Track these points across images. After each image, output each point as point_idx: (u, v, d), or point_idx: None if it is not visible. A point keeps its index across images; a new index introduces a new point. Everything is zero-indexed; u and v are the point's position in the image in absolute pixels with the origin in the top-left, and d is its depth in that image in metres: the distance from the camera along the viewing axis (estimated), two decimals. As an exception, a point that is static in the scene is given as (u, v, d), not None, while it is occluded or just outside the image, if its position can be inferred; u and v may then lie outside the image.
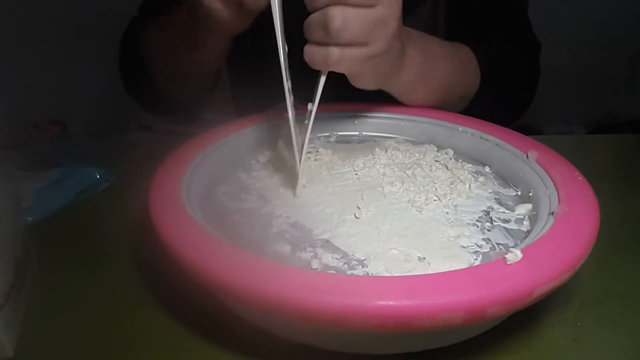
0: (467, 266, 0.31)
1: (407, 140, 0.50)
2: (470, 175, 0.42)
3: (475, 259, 0.32)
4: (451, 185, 0.40)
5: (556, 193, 0.36)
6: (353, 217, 0.36)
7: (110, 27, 0.75)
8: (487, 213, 0.38)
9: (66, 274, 0.39)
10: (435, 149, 0.47)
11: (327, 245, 0.34)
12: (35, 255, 0.39)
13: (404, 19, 0.41)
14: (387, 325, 0.25)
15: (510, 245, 0.34)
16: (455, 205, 0.38)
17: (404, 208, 0.38)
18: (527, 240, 0.32)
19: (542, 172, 0.39)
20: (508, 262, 0.27)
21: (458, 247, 0.33)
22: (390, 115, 0.51)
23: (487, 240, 0.34)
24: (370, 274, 0.31)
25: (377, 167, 0.43)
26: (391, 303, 0.24)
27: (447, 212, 0.37)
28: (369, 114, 0.52)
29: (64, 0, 1.30)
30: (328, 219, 0.36)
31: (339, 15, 0.36)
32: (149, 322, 0.34)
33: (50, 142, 0.59)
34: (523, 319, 0.32)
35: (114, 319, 0.35)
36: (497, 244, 0.34)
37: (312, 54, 0.39)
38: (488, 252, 0.33)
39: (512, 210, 0.38)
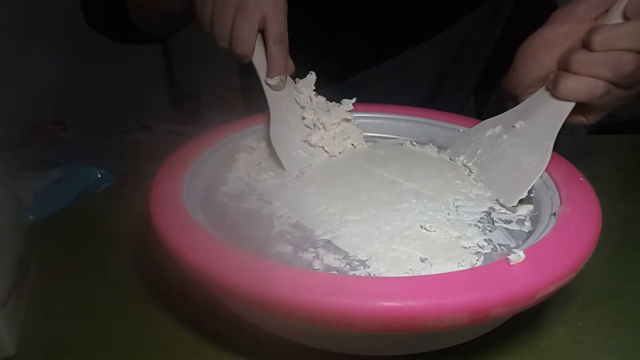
0: (469, 267, 0.31)
1: (407, 141, 0.50)
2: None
3: (477, 260, 0.32)
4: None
5: (558, 194, 0.36)
6: (355, 217, 0.36)
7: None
8: (489, 214, 0.38)
9: (67, 273, 0.39)
10: (436, 149, 0.47)
11: (329, 245, 0.34)
12: (36, 255, 0.39)
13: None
14: (391, 326, 0.24)
15: (512, 246, 0.34)
16: (457, 206, 0.38)
17: (405, 209, 0.38)
18: (530, 241, 0.32)
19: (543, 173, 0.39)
20: (511, 263, 0.27)
21: (460, 248, 0.33)
22: (390, 116, 0.51)
23: (489, 241, 0.34)
24: (373, 275, 0.31)
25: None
26: (396, 304, 0.24)
27: (448, 213, 0.37)
28: (369, 115, 0.52)
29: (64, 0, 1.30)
30: (330, 219, 0.36)
31: (633, 63, 0.36)
32: (150, 321, 0.34)
33: (51, 142, 0.59)
34: (524, 319, 0.32)
35: (114, 318, 0.35)
36: (499, 244, 0.34)
37: (574, 83, 0.38)
38: (490, 252, 0.33)
39: (513, 211, 0.38)
